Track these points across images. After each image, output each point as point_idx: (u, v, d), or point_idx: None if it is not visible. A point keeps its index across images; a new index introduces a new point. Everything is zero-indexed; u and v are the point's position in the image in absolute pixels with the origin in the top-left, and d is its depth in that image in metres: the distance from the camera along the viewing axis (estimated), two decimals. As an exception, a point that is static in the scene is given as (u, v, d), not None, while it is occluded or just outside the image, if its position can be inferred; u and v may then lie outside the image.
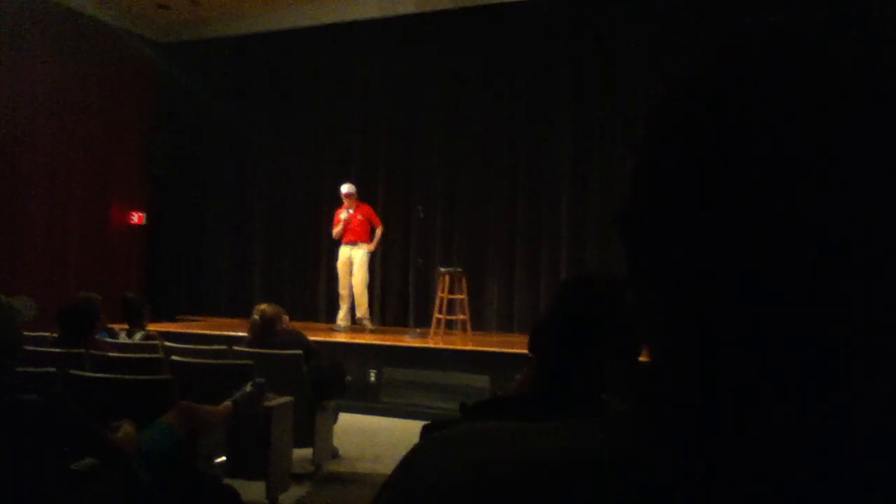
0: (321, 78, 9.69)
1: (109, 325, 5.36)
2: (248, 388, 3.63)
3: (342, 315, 8.37)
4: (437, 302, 7.67)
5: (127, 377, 3.45)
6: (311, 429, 4.67)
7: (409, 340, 7.36)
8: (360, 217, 8.19)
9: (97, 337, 4.35)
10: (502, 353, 6.66)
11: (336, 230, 8.21)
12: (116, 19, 9.45)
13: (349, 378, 5.32)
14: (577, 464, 0.38)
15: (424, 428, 1.37)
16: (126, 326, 5.38)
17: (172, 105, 10.25)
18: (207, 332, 7.82)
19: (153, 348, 4.76)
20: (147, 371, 3.77)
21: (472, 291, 8.05)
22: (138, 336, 5.11)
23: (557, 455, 0.39)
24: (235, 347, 4.88)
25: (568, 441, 0.40)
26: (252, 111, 9.99)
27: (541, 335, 1.31)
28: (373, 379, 7.04)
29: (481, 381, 6.59)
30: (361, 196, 8.38)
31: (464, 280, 7.62)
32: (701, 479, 0.36)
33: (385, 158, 9.37)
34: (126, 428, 2.75)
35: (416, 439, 0.64)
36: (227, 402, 3.48)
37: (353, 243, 8.21)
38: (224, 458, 3.95)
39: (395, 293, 9.21)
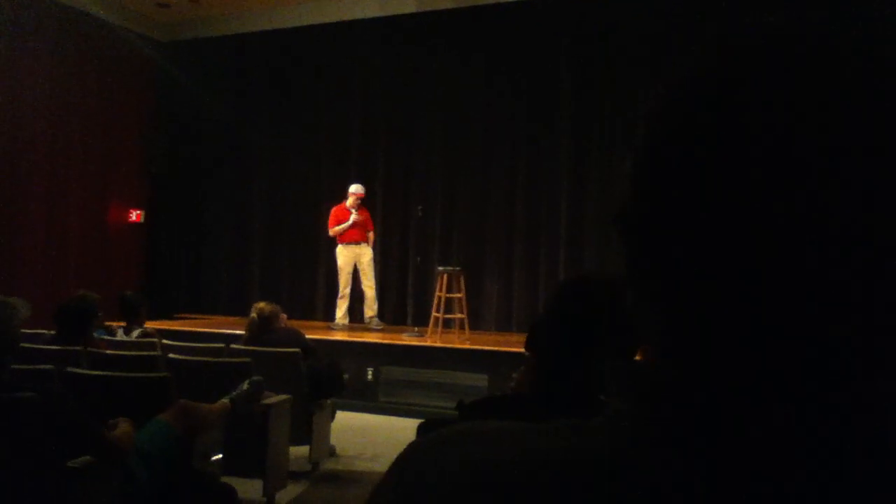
0: (321, 77, 9.68)
1: (107, 323, 5.36)
2: (245, 385, 3.63)
3: (342, 314, 8.36)
4: (435, 301, 7.67)
5: (124, 375, 3.44)
6: (308, 427, 4.67)
7: (407, 339, 7.37)
8: (362, 218, 8.19)
9: (94, 335, 4.35)
10: (500, 352, 6.67)
11: (340, 228, 8.17)
12: (116, 18, 9.44)
13: (347, 376, 5.31)
14: (577, 463, 0.38)
15: (420, 426, 1.37)
16: (123, 324, 5.37)
17: (172, 104, 10.24)
18: (205, 329, 7.82)
19: (150, 346, 4.76)
20: (144, 369, 3.77)
21: (471, 291, 8.05)
22: (135, 334, 5.10)
23: (557, 454, 0.39)
24: (233, 345, 4.88)
25: (568, 440, 0.40)
26: (251, 110, 9.98)
27: (539, 334, 1.31)
28: (370, 377, 7.04)
29: (479, 380, 6.59)
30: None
31: (461, 279, 7.63)
32: (701, 479, 0.36)
33: (385, 158, 9.37)
34: (123, 426, 2.75)
35: (413, 438, 0.64)
36: (224, 400, 3.47)
37: (358, 243, 8.21)
38: (221, 456, 3.95)
39: (393, 292, 9.21)
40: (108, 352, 4.12)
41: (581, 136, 8.36)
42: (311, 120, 9.71)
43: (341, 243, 8.24)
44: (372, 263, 8.32)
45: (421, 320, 8.33)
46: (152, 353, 4.39)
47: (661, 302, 0.40)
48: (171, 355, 4.31)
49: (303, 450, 4.73)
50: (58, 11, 8.81)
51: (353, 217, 8.11)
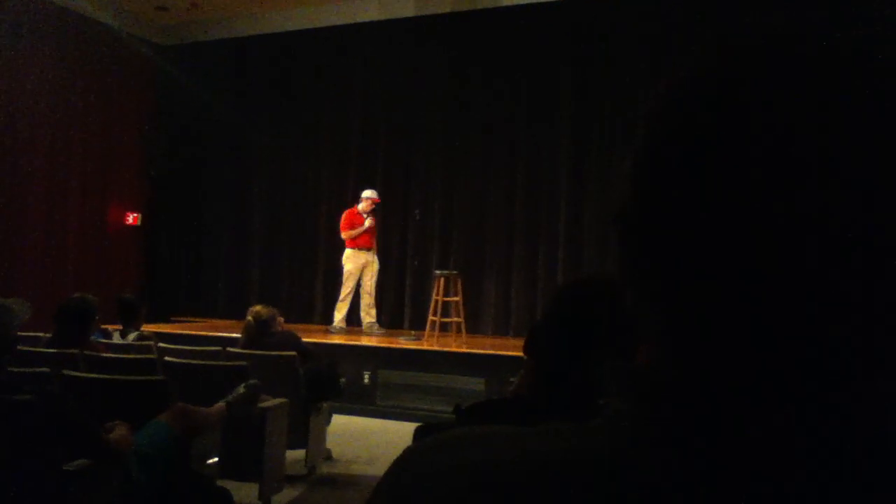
0: (320, 79, 9.69)
1: (103, 326, 5.34)
2: (242, 389, 3.62)
3: (341, 318, 8.34)
4: (432, 304, 7.67)
5: (121, 378, 3.44)
6: (305, 430, 4.66)
7: (404, 343, 7.36)
8: (373, 223, 8.20)
9: (91, 338, 4.33)
10: (497, 356, 6.67)
11: (355, 232, 8.13)
12: (115, 21, 9.45)
13: (344, 380, 5.30)
14: (577, 463, 0.38)
15: (417, 430, 1.36)
16: (120, 327, 5.36)
17: (171, 106, 10.25)
18: (202, 332, 7.81)
19: (147, 349, 4.74)
20: (142, 372, 3.76)
21: (470, 293, 8.04)
22: (132, 336, 5.09)
23: (557, 455, 0.39)
24: (229, 348, 4.87)
25: (567, 442, 0.40)
26: (250, 113, 9.99)
27: (538, 338, 1.31)
28: (367, 381, 7.03)
29: (476, 384, 6.59)
30: (359, 197, 8.39)
31: (459, 282, 7.63)
32: (701, 479, 0.36)
33: (384, 159, 9.37)
34: (120, 428, 2.74)
35: (409, 441, 0.64)
36: (221, 403, 3.47)
37: (368, 249, 8.22)
38: (217, 459, 3.94)
39: (391, 295, 9.20)
40: (104, 355, 4.10)
41: (581, 137, 8.37)
42: (311, 122, 9.72)
43: (351, 248, 8.21)
44: (377, 272, 8.31)
45: (418, 324, 8.33)
46: (149, 356, 4.38)
47: (661, 302, 0.40)
48: (167, 358, 4.30)
49: (299, 453, 4.72)
50: (58, 15, 8.82)
51: (367, 222, 8.10)
